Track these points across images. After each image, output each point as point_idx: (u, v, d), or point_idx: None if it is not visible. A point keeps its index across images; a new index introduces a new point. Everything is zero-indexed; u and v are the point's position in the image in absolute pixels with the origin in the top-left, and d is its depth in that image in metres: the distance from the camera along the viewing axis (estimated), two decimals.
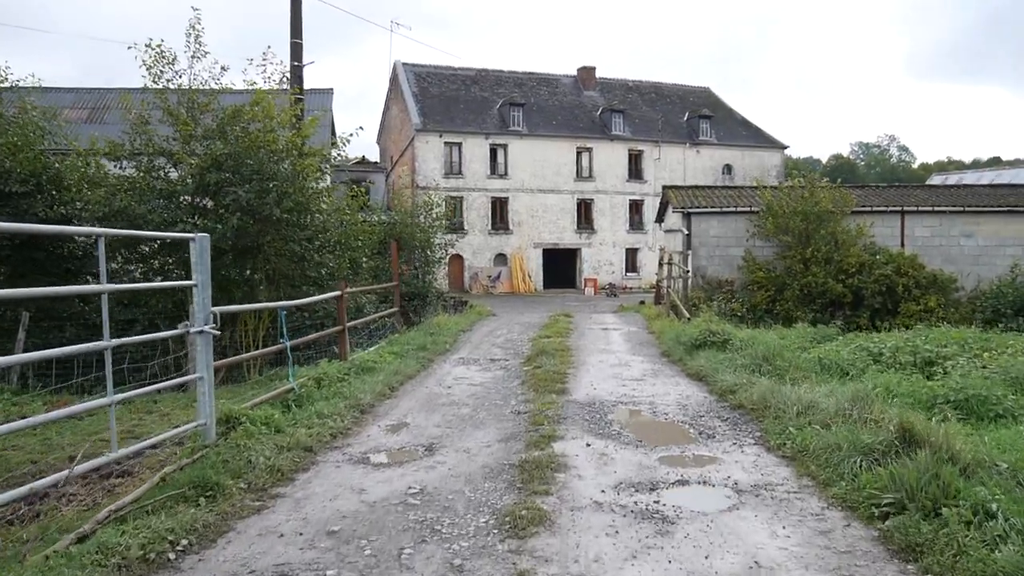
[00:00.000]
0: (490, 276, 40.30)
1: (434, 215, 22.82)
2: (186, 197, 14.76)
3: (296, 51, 20.86)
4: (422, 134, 39.97)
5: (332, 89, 39.46)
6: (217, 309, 6.03)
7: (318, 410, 7.23)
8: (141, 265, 15.28)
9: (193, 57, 14.90)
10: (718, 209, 22.84)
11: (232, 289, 15.51)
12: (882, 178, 74.79)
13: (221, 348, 14.68)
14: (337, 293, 10.24)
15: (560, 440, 6.34)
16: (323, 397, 7.88)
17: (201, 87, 15.04)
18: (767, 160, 46.95)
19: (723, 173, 45.41)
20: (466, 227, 40.45)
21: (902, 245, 22.80)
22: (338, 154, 16.19)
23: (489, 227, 41.07)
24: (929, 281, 20.17)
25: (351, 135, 33.99)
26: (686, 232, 22.71)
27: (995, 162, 63.65)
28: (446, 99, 42.84)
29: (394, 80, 45.12)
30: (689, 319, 12.58)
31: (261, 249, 14.64)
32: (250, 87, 15.41)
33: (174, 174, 14.70)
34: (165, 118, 14.82)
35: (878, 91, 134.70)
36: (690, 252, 22.91)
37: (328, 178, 15.90)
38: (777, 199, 21.72)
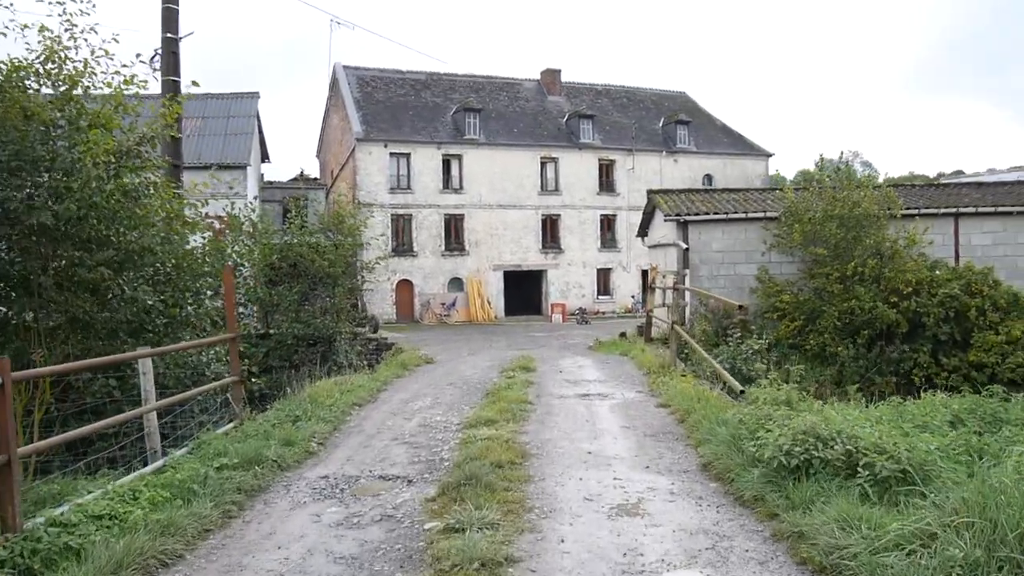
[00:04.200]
0: (444, 304, 34.79)
1: (347, 230, 17.07)
2: None
3: (170, 18, 15.35)
4: (364, 144, 34.57)
5: (258, 93, 34.00)
6: None
7: None
8: None
9: None
10: (723, 216, 17.65)
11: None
12: None
13: None
14: None
15: None
16: None
17: None
18: (751, 169, 42.39)
19: (704, 184, 40.58)
20: (416, 249, 35.03)
21: (956, 256, 17.84)
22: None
23: (442, 248, 35.64)
24: (1010, 302, 15.15)
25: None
26: (684, 246, 17.50)
27: (959, 175, 59.32)
28: (393, 105, 37.53)
29: (334, 85, 39.72)
30: (742, 392, 7.11)
31: (39, 278, 9.12)
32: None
33: None
34: None
35: (837, 108, 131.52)
36: (687, 272, 17.72)
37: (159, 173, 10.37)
38: (803, 202, 16.66)
